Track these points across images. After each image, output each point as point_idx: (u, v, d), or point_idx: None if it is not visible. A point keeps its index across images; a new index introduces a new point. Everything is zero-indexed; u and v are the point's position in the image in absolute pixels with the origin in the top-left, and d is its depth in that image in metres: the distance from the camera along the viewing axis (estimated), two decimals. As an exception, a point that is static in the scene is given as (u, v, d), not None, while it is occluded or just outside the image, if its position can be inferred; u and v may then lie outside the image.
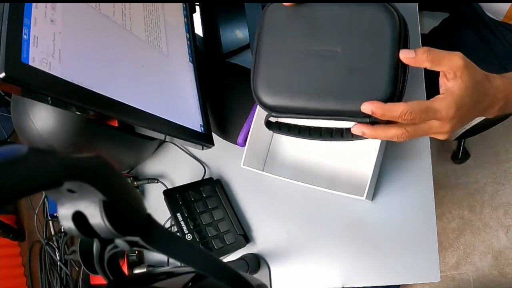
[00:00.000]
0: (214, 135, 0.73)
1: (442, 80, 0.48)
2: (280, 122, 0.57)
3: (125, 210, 0.23)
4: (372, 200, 0.69)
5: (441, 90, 0.48)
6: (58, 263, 0.88)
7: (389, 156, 0.68)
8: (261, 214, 0.75)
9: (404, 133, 0.47)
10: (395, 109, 0.45)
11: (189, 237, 0.67)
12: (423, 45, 0.69)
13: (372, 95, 0.47)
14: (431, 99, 0.47)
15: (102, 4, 0.53)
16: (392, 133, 0.47)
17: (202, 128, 0.69)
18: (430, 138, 0.67)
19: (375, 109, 0.46)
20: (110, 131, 0.65)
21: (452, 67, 0.45)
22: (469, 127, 0.96)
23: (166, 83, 0.64)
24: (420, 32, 0.71)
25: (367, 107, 0.46)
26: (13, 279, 0.92)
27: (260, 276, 0.73)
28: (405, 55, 0.47)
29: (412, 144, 0.68)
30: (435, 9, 1.12)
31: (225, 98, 0.77)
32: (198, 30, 0.82)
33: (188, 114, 0.67)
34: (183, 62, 0.71)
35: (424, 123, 0.47)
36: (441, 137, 0.50)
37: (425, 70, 0.69)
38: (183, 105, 0.67)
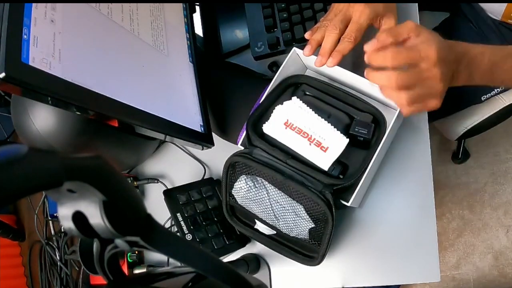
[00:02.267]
0: (214, 135, 0.73)
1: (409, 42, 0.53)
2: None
3: (125, 210, 0.23)
4: (360, 207, 0.69)
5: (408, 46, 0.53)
6: (58, 263, 0.88)
7: (389, 156, 0.68)
8: (261, 214, 0.75)
9: (396, 76, 0.51)
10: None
11: (189, 237, 0.67)
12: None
13: None
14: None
15: (102, 4, 0.53)
16: (385, 76, 0.51)
17: (202, 128, 0.69)
18: (430, 137, 0.67)
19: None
20: (110, 131, 0.65)
21: (409, 30, 0.51)
22: (470, 127, 0.96)
23: (166, 83, 0.64)
24: (420, 32, 0.71)
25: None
26: (13, 279, 0.92)
27: (260, 276, 0.73)
28: (371, 46, 0.52)
29: (412, 144, 0.68)
30: (435, 9, 1.12)
31: (225, 98, 0.77)
32: (198, 30, 0.82)
33: (188, 114, 0.67)
34: (183, 62, 0.71)
35: (414, 68, 0.51)
36: (431, 99, 0.53)
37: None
38: (183, 105, 0.67)
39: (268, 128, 0.60)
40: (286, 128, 0.59)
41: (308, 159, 0.58)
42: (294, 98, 0.61)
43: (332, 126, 0.59)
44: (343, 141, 0.58)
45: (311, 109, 0.60)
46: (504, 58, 0.57)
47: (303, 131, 0.59)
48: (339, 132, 0.58)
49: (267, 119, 0.61)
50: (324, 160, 0.57)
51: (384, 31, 0.52)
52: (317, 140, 0.58)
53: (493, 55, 0.56)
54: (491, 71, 0.56)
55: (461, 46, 0.55)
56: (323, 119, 0.59)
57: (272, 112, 0.61)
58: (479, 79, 0.56)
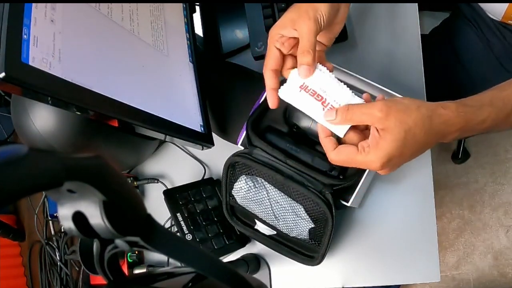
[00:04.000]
0: (214, 135, 0.73)
1: (371, 130, 0.47)
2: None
3: (125, 210, 0.23)
4: (360, 207, 0.69)
5: (369, 139, 0.47)
6: (58, 263, 0.88)
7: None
8: (261, 214, 0.75)
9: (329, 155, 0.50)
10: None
11: (189, 237, 0.67)
12: (423, 46, 0.70)
13: None
14: (360, 146, 0.47)
15: (102, 4, 0.53)
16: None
17: (202, 128, 0.69)
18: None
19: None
20: (110, 131, 0.65)
21: (373, 122, 0.45)
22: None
23: (166, 83, 0.64)
24: (420, 32, 0.71)
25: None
26: (13, 279, 0.92)
27: (260, 276, 0.73)
28: (327, 118, 0.49)
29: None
30: (435, 9, 1.12)
31: (225, 98, 0.77)
32: (198, 30, 0.82)
33: (188, 114, 0.67)
34: (183, 62, 0.71)
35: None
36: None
37: (425, 66, 0.69)
38: (183, 105, 0.67)
39: (283, 92, 0.54)
40: (300, 90, 0.54)
41: (324, 126, 0.52)
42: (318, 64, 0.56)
43: (351, 91, 0.53)
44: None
45: (333, 74, 0.54)
46: (506, 117, 0.49)
47: (317, 93, 0.53)
48: (357, 97, 0.53)
49: (268, 117, 0.61)
50: (339, 127, 0.51)
51: (345, 111, 0.48)
52: (331, 105, 0.52)
53: (495, 119, 0.48)
54: (485, 131, 0.50)
55: (455, 125, 0.46)
56: (342, 84, 0.53)
57: (272, 110, 0.61)
58: (470, 135, 0.51)
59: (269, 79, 0.52)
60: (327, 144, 0.49)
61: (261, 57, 0.75)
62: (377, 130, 0.46)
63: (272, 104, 0.53)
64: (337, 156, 0.48)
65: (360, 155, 0.46)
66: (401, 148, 0.45)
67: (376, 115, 0.44)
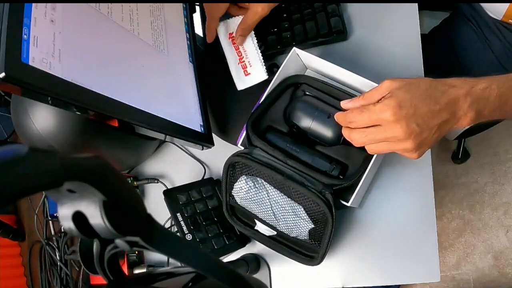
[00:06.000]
0: (214, 135, 0.73)
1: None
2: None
3: (125, 210, 0.23)
4: (360, 207, 0.69)
5: None
6: (58, 263, 0.88)
7: (390, 156, 0.68)
8: (261, 214, 0.75)
9: (350, 133, 0.53)
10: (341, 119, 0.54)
11: (189, 237, 0.67)
12: (423, 45, 0.70)
13: None
14: None
15: (102, 4, 0.53)
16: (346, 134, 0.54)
17: (202, 128, 0.69)
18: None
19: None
20: (110, 131, 0.65)
21: (383, 91, 0.50)
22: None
23: (166, 83, 0.64)
24: (420, 32, 0.71)
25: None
26: (13, 279, 0.92)
27: (260, 276, 0.73)
28: (344, 104, 0.55)
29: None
30: (435, 9, 1.12)
31: (225, 98, 0.77)
32: (198, 30, 0.82)
33: (188, 114, 0.67)
34: (183, 62, 0.71)
35: (371, 129, 0.51)
36: (406, 153, 0.52)
37: (425, 66, 0.69)
38: (183, 105, 0.67)
39: (221, 27, 0.71)
40: (229, 38, 0.71)
41: (231, 73, 0.69)
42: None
43: (262, 60, 0.69)
44: (263, 76, 0.68)
45: (254, 36, 0.70)
46: None
47: (239, 50, 0.69)
48: (265, 67, 0.68)
49: (268, 117, 0.62)
50: (240, 82, 0.69)
51: (360, 96, 0.54)
52: (245, 63, 0.69)
53: (500, 87, 0.51)
54: (501, 105, 0.51)
55: (459, 88, 0.49)
56: (259, 50, 0.69)
57: (272, 110, 0.62)
58: (489, 115, 0.52)
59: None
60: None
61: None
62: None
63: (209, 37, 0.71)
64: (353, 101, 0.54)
65: (373, 104, 0.50)
66: (410, 95, 0.48)
67: (383, 83, 0.51)
